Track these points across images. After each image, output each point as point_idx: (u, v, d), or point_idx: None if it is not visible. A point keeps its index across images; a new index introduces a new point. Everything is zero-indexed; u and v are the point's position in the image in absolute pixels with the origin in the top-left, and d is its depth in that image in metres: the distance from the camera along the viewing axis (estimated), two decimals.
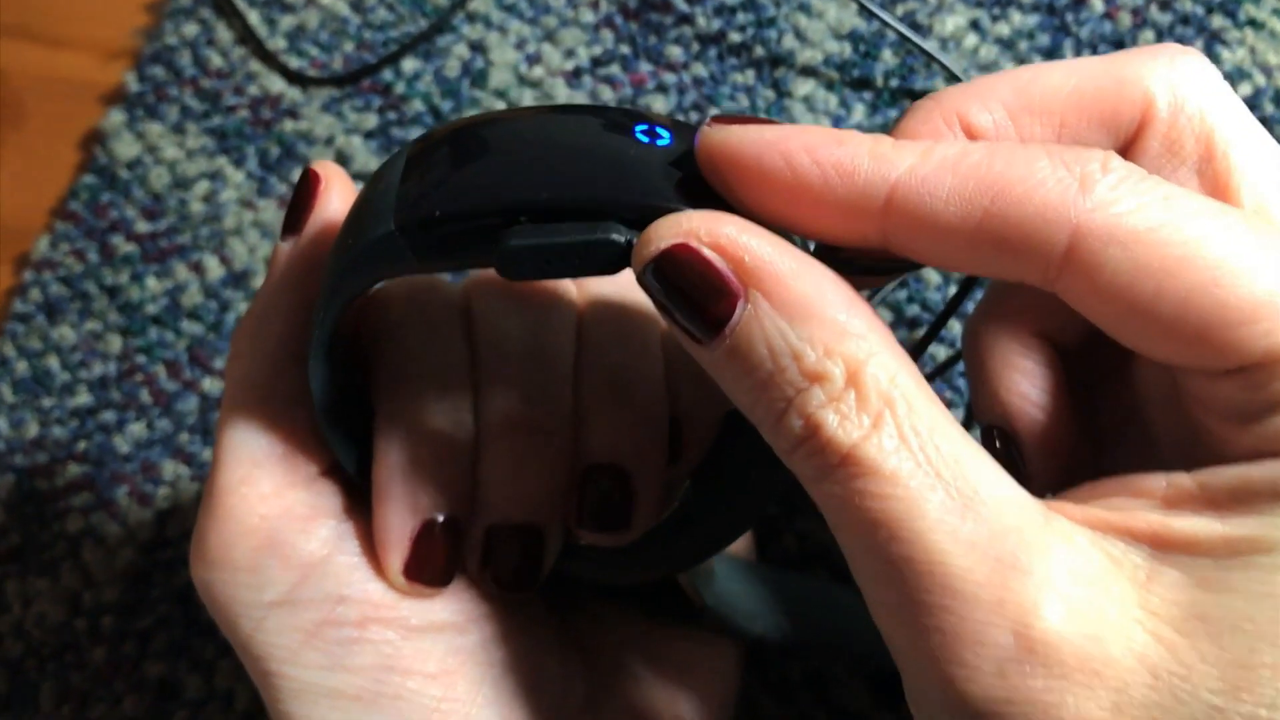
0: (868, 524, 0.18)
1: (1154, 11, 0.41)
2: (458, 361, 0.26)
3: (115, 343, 0.42)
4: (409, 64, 0.45)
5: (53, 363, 0.42)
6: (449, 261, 0.21)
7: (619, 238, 0.20)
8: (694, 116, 0.42)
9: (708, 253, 0.19)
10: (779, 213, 0.20)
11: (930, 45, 0.41)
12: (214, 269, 0.42)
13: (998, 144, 0.19)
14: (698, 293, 0.19)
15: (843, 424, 0.18)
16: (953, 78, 0.41)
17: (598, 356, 0.26)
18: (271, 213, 0.43)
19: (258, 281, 0.42)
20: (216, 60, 0.46)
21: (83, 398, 0.41)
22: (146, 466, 0.40)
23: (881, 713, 0.34)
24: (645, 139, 0.21)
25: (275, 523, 0.25)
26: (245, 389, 0.26)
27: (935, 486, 0.18)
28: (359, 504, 0.26)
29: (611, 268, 0.20)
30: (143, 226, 0.43)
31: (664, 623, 0.30)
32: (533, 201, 0.20)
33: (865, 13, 0.42)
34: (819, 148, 0.19)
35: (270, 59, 0.45)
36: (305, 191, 0.26)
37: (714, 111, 0.42)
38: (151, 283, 0.43)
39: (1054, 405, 0.23)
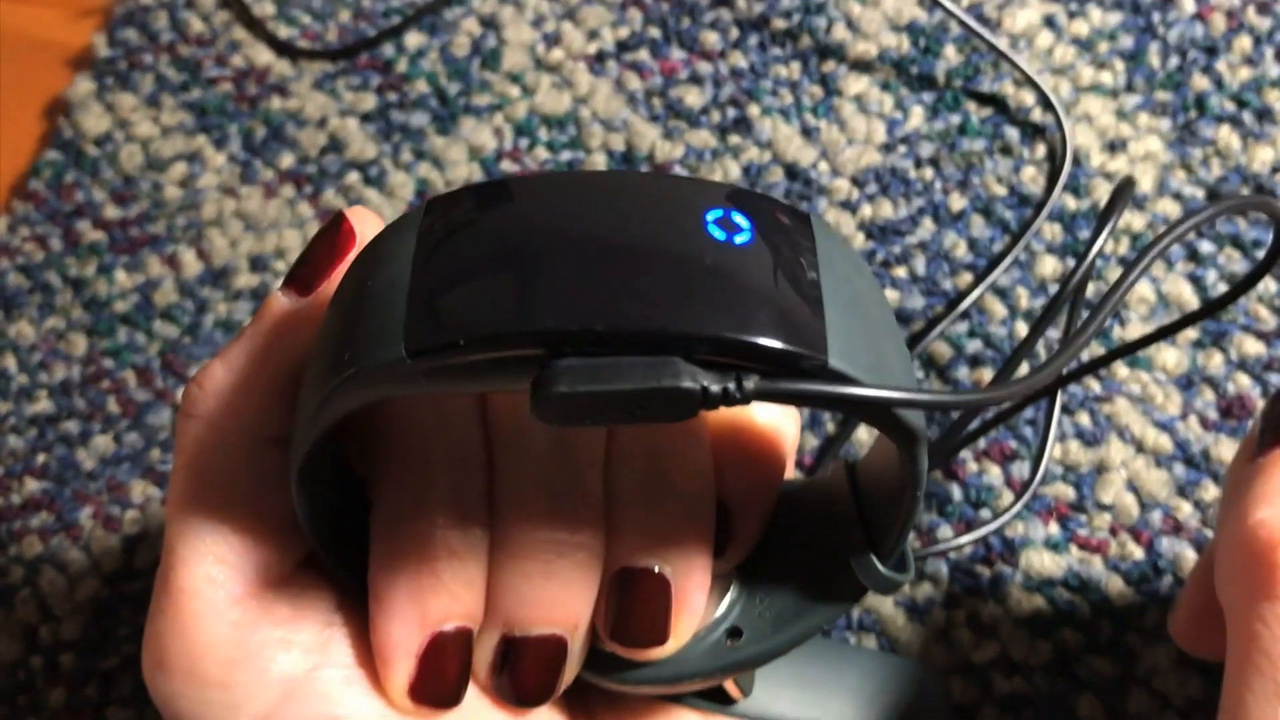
0: None
1: (1251, 14, 0.37)
2: (471, 447, 0.22)
3: (80, 343, 0.38)
4: (412, 38, 0.40)
5: (9, 363, 0.38)
6: (470, 388, 0.17)
7: (691, 385, 0.15)
8: (730, 112, 0.38)
9: None
10: None
11: (1000, 41, 0.36)
12: (190, 264, 0.38)
13: None
14: None
15: None
16: (1025, 79, 0.36)
17: (632, 439, 0.22)
18: (256, 202, 0.39)
19: (239, 280, 0.38)
20: (197, 24, 0.41)
21: (42, 404, 0.37)
22: (113, 485, 0.36)
23: None
24: (721, 234, 0.16)
25: (250, 632, 0.21)
26: (206, 467, 0.21)
27: None
28: (348, 598, 0.22)
29: (679, 416, 0.16)
30: (112, 212, 0.39)
31: (695, 707, 0.27)
32: (582, 333, 0.15)
33: (927, 2, 0.38)
34: None
35: (257, 26, 0.41)
36: (330, 245, 0.21)
37: (754, 109, 0.38)
38: (121, 276, 0.38)
39: None
